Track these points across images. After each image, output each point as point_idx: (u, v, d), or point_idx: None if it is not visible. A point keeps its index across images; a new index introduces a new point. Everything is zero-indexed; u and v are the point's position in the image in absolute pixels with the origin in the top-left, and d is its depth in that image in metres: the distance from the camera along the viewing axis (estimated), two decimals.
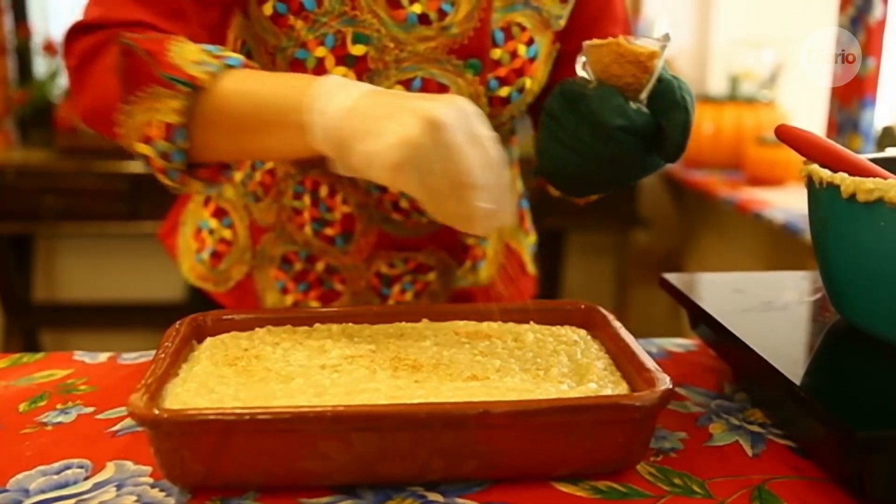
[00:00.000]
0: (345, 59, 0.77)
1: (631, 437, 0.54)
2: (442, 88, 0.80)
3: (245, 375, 0.59)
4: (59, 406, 0.67)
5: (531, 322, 0.70)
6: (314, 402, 0.54)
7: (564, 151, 0.70)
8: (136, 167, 2.49)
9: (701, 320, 0.73)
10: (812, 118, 2.31)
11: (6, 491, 0.54)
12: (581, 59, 0.70)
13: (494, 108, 0.84)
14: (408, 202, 0.87)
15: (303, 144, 0.64)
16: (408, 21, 0.77)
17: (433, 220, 0.87)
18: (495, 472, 0.54)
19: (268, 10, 0.77)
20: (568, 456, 0.54)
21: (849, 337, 0.67)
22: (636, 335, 0.65)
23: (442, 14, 0.78)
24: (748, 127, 2.47)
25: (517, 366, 0.61)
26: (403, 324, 0.70)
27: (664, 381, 0.54)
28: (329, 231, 0.88)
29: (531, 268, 1.05)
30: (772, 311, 0.73)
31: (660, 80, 0.68)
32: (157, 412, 0.51)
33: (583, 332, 0.69)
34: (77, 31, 0.73)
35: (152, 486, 0.55)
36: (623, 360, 0.62)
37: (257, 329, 0.68)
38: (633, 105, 0.67)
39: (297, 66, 0.78)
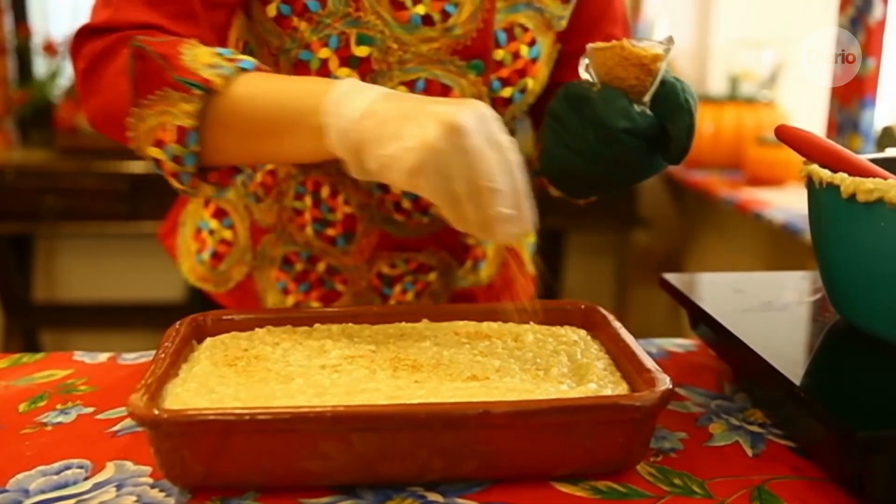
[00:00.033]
0: (348, 61, 0.77)
1: (631, 437, 0.54)
2: (445, 89, 0.80)
3: (245, 375, 0.59)
4: (58, 406, 0.67)
5: (531, 322, 0.70)
6: (314, 403, 0.54)
7: (568, 153, 0.70)
8: (136, 167, 2.49)
9: (701, 320, 0.73)
10: (812, 118, 2.31)
11: (6, 491, 0.54)
12: (584, 62, 0.70)
13: (497, 108, 0.84)
14: (410, 202, 0.87)
15: (318, 148, 0.63)
16: (411, 22, 0.77)
17: (434, 221, 0.88)
18: (495, 472, 0.54)
19: (271, 11, 0.77)
20: (568, 456, 0.54)
21: (849, 337, 0.67)
22: (636, 335, 0.65)
23: (445, 15, 0.78)
24: (748, 127, 2.47)
25: (517, 366, 0.61)
26: (403, 324, 0.70)
27: (664, 382, 0.54)
28: (330, 232, 0.88)
29: (531, 267, 1.05)
30: (772, 311, 0.73)
31: (663, 82, 0.68)
32: (156, 412, 0.51)
33: (583, 332, 0.69)
34: (85, 34, 0.72)
35: (152, 487, 0.55)
36: (623, 361, 0.62)
37: (257, 329, 0.68)
38: (636, 108, 0.67)
39: (300, 67, 0.78)
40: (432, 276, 0.92)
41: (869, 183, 0.59)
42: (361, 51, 0.77)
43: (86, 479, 0.56)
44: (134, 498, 0.53)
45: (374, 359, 0.62)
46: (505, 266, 0.99)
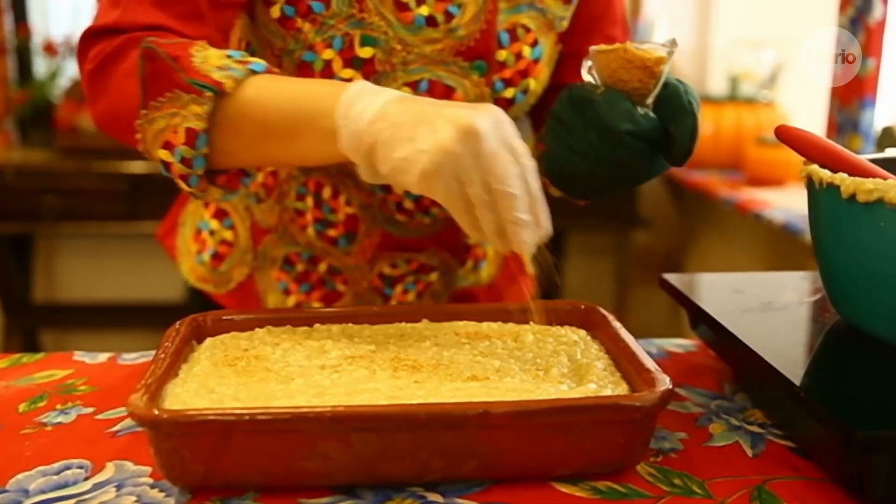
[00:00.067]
0: (352, 62, 0.77)
1: (631, 437, 0.54)
2: (448, 90, 0.80)
3: (245, 376, 0.59)
4: (58, 406, 0.67)
5: (531, 322, 0.70)
6: (314, 403, 0.54)
7: (572, 156, 0.70)
8: (136, 167, 2.49)
9: (701, 320, 0.73)
10: (812, 118, 2.31)
11: (6, 491, 0.54)
12: (587, 64, 0.71)
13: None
14: (412, 203, 0.87)
15: (329, 150, 0.63)
16: (415, 23, 0.77)
17: (436, 221, 0.88)
18: (495, 472, 0.54)
19: (275, 12, 0.77)
20: (568, 456, 0.54)
21: (849, 337, 0.67)
22: (636, 335, 0.65)
23: (449, 16, 0.78)
24: (748, 127, 2.47)
25: (517, 366, 0.61)
26: (403, 324, 0.70)
27: (664, 382, 0.54)
28: (332, 232, 0.88)
29: (530, 268, 1.05)
30: (772, 311, 0.73)
31: (666, 84, 0.69)
32: (156, 412, 0.51)
33: (582, 332, 0.69)
34: (92, 35, 0.72)
35: (152, 487, 0.55)
36: (623, 361, 0.62)
37: (257, 329, 0.68)
38: (640, 110, 0.67)
39: (304, 68, 0.78)
40: (433, 277, 0.92)
41: (869, 183, 0.59)
42: (365, 52, 0.77)
43: (86, 479, 0.56)
44: (134, 498, 0.53)
45: (373, 359, 0.62)
46: (505, 266, 0.99)
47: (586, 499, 0.53)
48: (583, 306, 0.71)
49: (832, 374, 0.61)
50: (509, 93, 0.84)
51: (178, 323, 0.66)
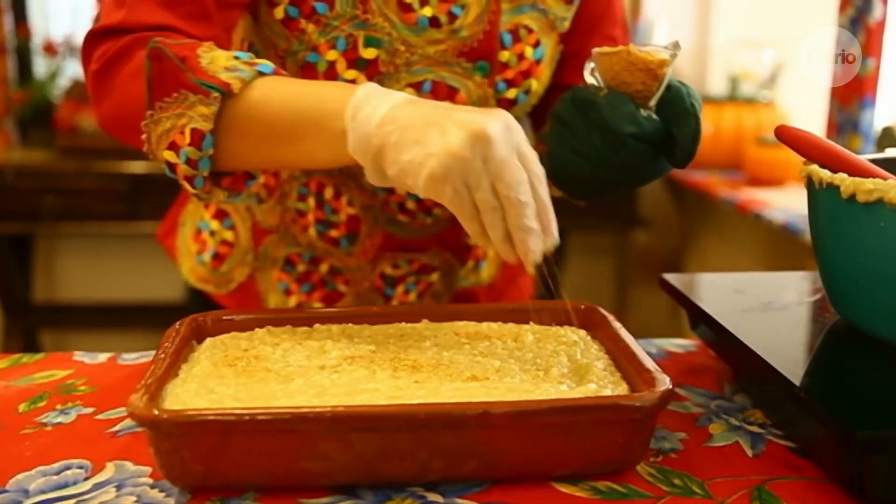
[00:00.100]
0: (356, 63, 0.77)
1: (631, 437, 0.54)
2: (451, 91, 0.80)
3: (245, 376, 0.59)
4: (58, 406, 0.67)
5: (531, 322, 0.70)
6: (314, 403, 0.54)
7: (575, 157, 0.70)
8: (136, 167, 2.49)
9: (701, 321, 0.73)
10: (812, 118, 2.31)
11: (6, 491, 0.54)
12: (589, 66, 0.71)
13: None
14: (414, 203, 0.87)
15: (336, 153, 0.62)
16: (418, 24, 0.77)
17: (438, 221, 0.88)
18: (495, 472, 0.54)
19: (279, 13, 0.77)
20: (568, 456, 0.54)
21: (849, 337, 0.67)
22: (636, 335, 0.65)
23: (452, 17, 0.78)
24: (748, 127, 2.47)
25: (517, 366, 0.61)
26: (403, 324, 0.70)
27: (664, 382, 0.54)
28: (334, 233, 0.88)
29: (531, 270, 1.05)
30: (772, 311, 0.73)
31: (668, 86, 0.69)
32: (156, 412, 0.51)
33: (583, 332, 0.69)
34: (98, 35, 0.71)
35: (152, 487, 0.55)
36: (623, 361, 0.62)
37: (257, 329, 0.68)
38: (643, 112, 0.68)
39: (307, 69, 0.78)
40: (435, 277, 0.92)
41: (869, 183, 0.59)
42: (369, 53, 0.77)
43: (86, 479, 0.56)
44: (134, 498, 0.53)
45: (373, 359, 0.62)
46: (505, 267, 0.99)
47: (586, 499, 0.53)
48: (583, 306, 0.71)
49: (832, 374, 0.61)
50: (512, 93, 0.84)
51: (178, 323, 0.66)
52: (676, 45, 0.69)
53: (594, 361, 0.62)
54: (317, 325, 0.69)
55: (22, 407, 0.67)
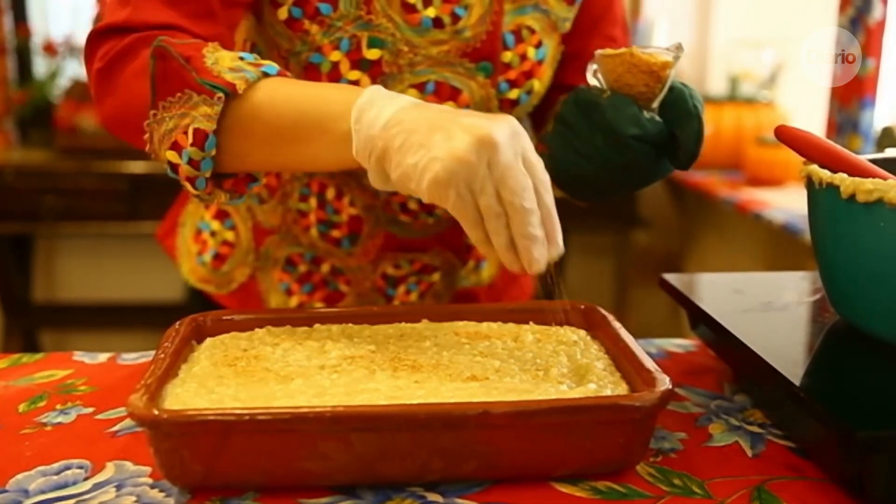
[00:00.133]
0: (359, 64, 0.77)
1: (631, 437, 0.54)
2: (454, 91, 0.80)
3: (244, 376, 0.59)
4: (58, 406, 0.67)
5: (531, 322, 0.70)
6: (314, 403, 0.54)
7: (578, 159, 0.70)
8: (136, 167, 2.49)
9: (701, 321, 0.73)
10: (812, 118, 2.31)
11: (6, 491, 0.54)
12: (592, 67, 0.71)
13: (504, 110, 0.84)
14: (416, 203, 0.87)
15: (340, 155, 0.62)
16: (422, 25, 0.77)
17: (439, 221, 0.88)
18: (495, 472, 0.54)
19: (283, 14, 0.76)
20: (568, 456, 0.54)
21: (848, 337, 0.67)
22: (636, 335, 0.65)
23: (455, 18, 0.78)
24: (748, 127, 2.47)
25: (517, 366, 0.61)
26: (403, 324, 0.70)
27: (664, 382, 0.54)
28: (335, 233, 0.88)
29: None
30: (772, 311, 0.73)
31: (671, 88, 0.69)
32: (156, 412, 0.51)
33: (582, 332, 0.69)
34: (101, 34, 0.70)
35: (152, 487, 0.55)
36: (623, 361, 0.62)
37: (257, 329, 0.68)
38: (646, 114, 0.68)
39: (311, 70, 0.78)
40: (436, 277, 0.92)
41: (868, 183, 0.59)
42: (372, 53, 0.77)
43: (85, 479, 0.56)
44: (134, 498, 0.53)
45: (373, 359, 0.62)
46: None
47: (586, 499, 0.53)
48: (583, 306, 0.71)
49: (832, 374, 0.61)
50: (514, 94, 0.84)
51: (177, 323, 0.66)
52: (679, 48, 0.69)
53: (594, 361, 0.62)
54: (316, 325, 0.69)
55: (22, 407, 0.67)
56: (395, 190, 0.60)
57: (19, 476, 0.56)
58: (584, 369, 0.61)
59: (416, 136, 0.57)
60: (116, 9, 0.71)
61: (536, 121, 0.93)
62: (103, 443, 0.61)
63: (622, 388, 0.58)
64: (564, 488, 0.54)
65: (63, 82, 2.77)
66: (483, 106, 0.82)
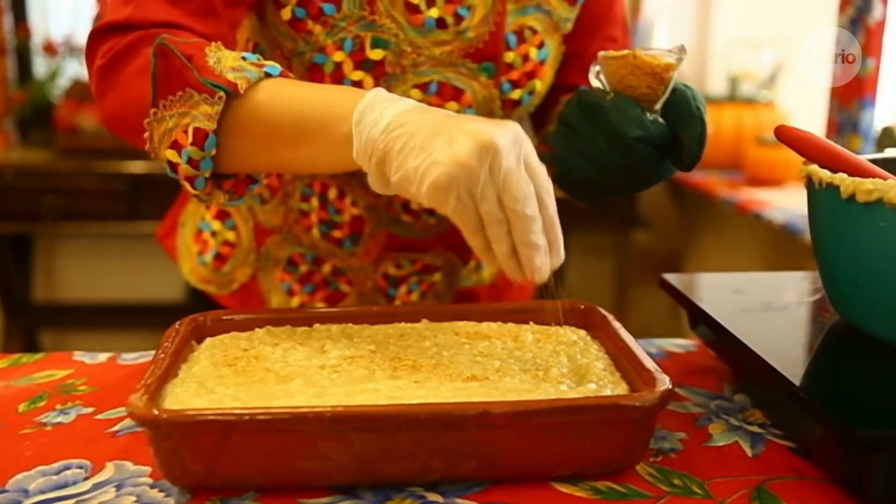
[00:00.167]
0: (363, 64, 0.77)
1: (631, 437, 0.54)
2: (457, 92, 0.80)
3: (244, 376, 0.59)
4: (58, 406, 0.67)
5: (530, 322, 0.70)
6: (313, 403, 0.54)
7: (581, 161, 0.70)
8: (136, 167, 2.49)
9: (701, 321, 0.73)
10: (812, 118, 2.31)
11: (6, 491, 0.54)
12: (595, 69, 0.71)
13: (506, 110, 0.84)
14: (418, 203, 0.87)
15: (341, 157, 0.61)
16: (425, 25, 0.77)
17: (441, 221, 0.88)
18: (495, 472, 0.54)
19: (286, 14, 0.76)
20: (568, 456, 0.54)
21: (848, 337, 0.67)
22: (636, 335, 0.65)
23: (458, 18, 0.78)
24: (748, 127, 2.47)
25: (517, 366, 0.61)
26: (403, 324, 0.70)
27: (664, 382, 0.54)
28: (337, 233, 0.88)
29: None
30: (772, 311, 0.73)
31: (674, 90, 0.69)
32: (156, 412, 0.51)
33: (582, 332, 0.69)
34: (104, 31, 0.70)
35: (152, 487, 0.55)
36: (623, 361, 0.62)
37: (257, 329, 0.68)
38: (649, 116, 0.68)
39: (314, 70, 0.78)
40: (437, 277, 0.92)
41: (868, 183, 0.59)
42: (376, 54, 0.77)
43: (85, 479, 0.56)
44: (133, 498, 0.53)
45: (373, 359, 0.62)
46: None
47: (586, 499, 0.53)
48: (582, 306, 0.71)
49: (832, 374, 0.61)
50: (516, 94, 0.84)
51: (177, 323, 0.66)
52: (682, 50, 0.69)
53: (594, 361, 0.62)
54: (316, 325, 0.69)
55: (22, 407, 0.67)
56: (396, 193, 0.60)
57: (19, 476, 0.56)
58: (584, 369, 0.61)
59: (417, 139, 0.56)
60: (119, 6, 0.70)
61: (537, 121, 0.93)
62: (103, 443, 0.61)
63: (622, 388, 0.58)
64: (564, 488, 0.54)
65: (63, 82, 2.77)
66: (485, 106, 0.82)
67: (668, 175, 0.73)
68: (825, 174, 0.63)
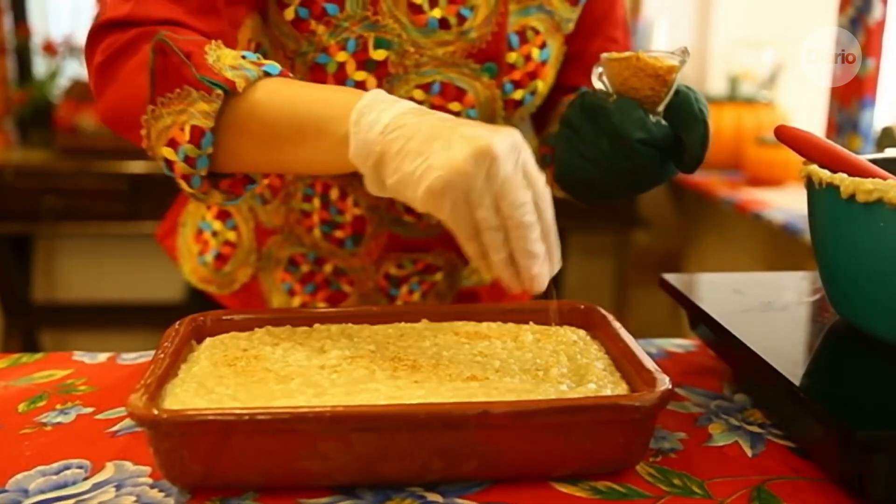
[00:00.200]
0: (366, 64, 0.77)
1: (630, 437, 0.54)
2: (460, 92, 0.80)
3: (244, 376, 0.59)
4: (58, 406, 0.67)
5: (530, 322, 0.70)
6: (313, 403, 0.54)
7: (583, 163, 0.70)
8: (136, 167, 2.49)
9: (700, 321, 0.73)
10: (812, 118, 2.31)
11: (5, 491, 0.54)
12: (597, 71, 0.71)
13: (508, 111, 0.84)
14: None
15: (337, 158, 0.61)
16: (428, 26, 0.77)
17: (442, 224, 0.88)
18: (495, 472, 0.54)
19: (289, 14, 0.76)
20: (568, 456, 0.54)
21: (848, 337, 0.67)
22: (636, 335, 0.65)
23: (461, 19, 0.78)
24: (748, 127, 2.47)
25: (517, 366, 0.61)
26: (403, 324, 0.70)
27: (664, 382, 0.54)
28: (339, 234, 0.88)
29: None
30: (771, 311, 0.73)
31: (676, 92, 0.69)
32: (156, 412, 0.51)
33: (582, 332, 0.69)
34: (104, 28, 0.70)
35: (151, 487, 0.55)
36: (623, 361, 0.62)
37: (256, 329, 0.68)
38: (652, 118, 0.68)
39: (317, 71, 0.78)
40: (439, 277, 0.92)
41: (868, 183, 0.59)
42: (379, 54, 0.77)
43: (85, 479, 0.56)
44: (133, 498, 0.53)
45: (373, 359, 0.62)
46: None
47: (586, 499, 0.53)
48: (582, 306, 0.71)
49: (832, 374, 0.61)
50: (518, 94, 0.84)
51: (177, 323, 0.66)
52: (685, 52, 0.69)
53: (594, 361, 0.62)
54: (316, 325, 0.69)
55: (21, 407, 0.67)
56: (391, 196, 0.59)
57: (19, 476, 0.56)
58: (584, 369, 0.61)
59: (413, 142, 0.56)
60: (119, 3, 0.70)
61: (538, 122, 0.93)
62: (103, 443, 0.61)
63: (622, 388, 0.58)
64: (564, 488, 0.54)
65: (63, 82, 2.77)
66: (488, 106, 0.82)
67: (670, 177, 0.73)
68: (825, 174, 0.63)
